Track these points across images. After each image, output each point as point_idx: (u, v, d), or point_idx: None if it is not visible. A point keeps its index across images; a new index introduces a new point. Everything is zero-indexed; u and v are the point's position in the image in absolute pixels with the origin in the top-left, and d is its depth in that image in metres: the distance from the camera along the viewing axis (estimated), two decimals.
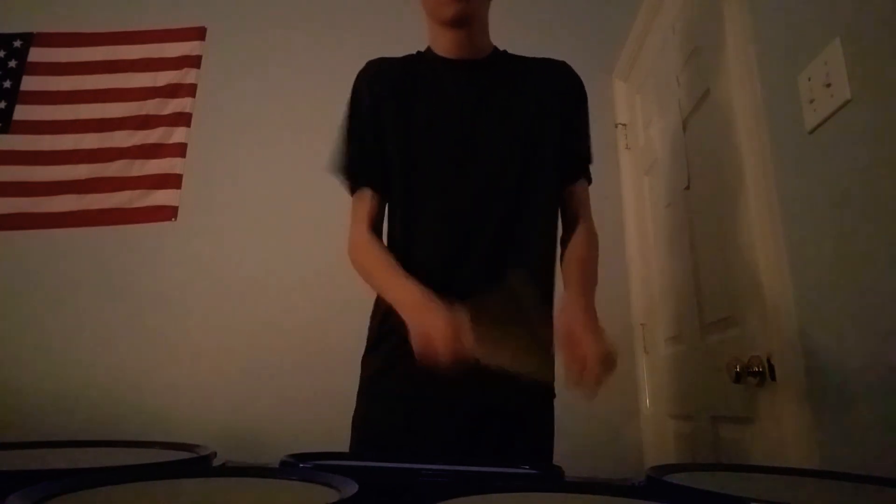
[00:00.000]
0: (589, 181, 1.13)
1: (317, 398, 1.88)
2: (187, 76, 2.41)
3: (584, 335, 0.81)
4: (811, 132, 0.97)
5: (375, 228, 1.08)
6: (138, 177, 2.30)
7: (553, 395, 1.03)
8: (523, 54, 1.16)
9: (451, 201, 1.02)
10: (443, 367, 0.79)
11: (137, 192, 2.28)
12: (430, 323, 0.83)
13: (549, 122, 1.07)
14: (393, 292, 0.96)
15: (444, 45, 1.10)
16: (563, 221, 1.12)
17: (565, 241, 1.10)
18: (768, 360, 1.10)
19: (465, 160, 1.03)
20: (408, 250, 1.02)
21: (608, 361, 0.79)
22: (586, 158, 1.12)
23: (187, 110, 2.37)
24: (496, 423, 0.96)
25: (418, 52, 1.15)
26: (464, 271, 0.99)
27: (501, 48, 1.16)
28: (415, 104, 1.07)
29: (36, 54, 2.45)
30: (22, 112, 2.38)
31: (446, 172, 1.03)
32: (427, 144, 1.05)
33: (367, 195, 1.07)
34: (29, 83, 2.42)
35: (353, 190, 1.09)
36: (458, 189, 1.02)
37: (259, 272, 2.15)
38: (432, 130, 1.05)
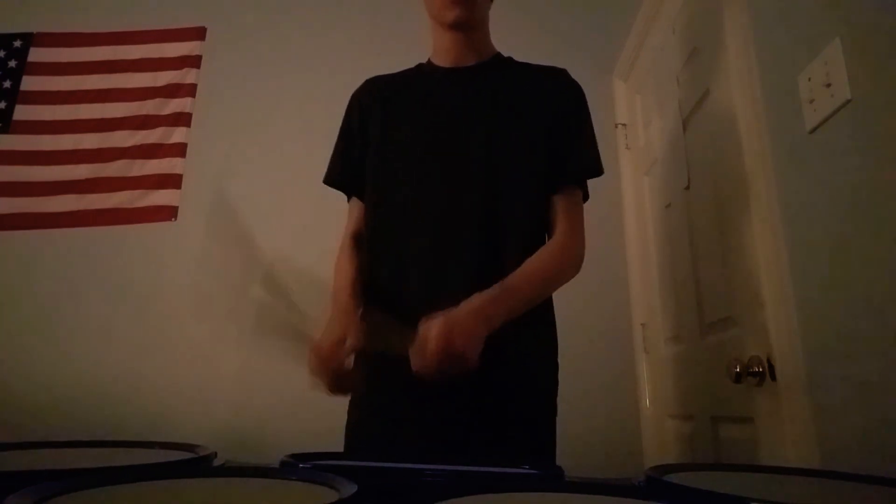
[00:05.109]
0: (585, 194, 1.07)
1: (317, 398, 1.87)
2: (187, 76, 2.41)
3: (436, 323, 0.81)
4: (811, 132, 0.97)
5: (360, 236, 1.13)
6: (138, 177, 2.30)
7: (555, 411, 1.01)
8: (523, 54, 1.15)
9: (428, 207, 1.02)
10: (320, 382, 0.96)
11: (137, 192, 2.28)
12: (316, 341, 0.98)
13: (538, 128, 1.05)
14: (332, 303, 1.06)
15: (445, 48, 1.11)
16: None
17: None
18: (768, 360, 1.10)
19: (444, 165, 1.03)
20: (379, 257, 1.04)
21: (449, 352, 0.79)
22: (574, 169, 1.05)
23: (187, 110, 2.37)
24: (485, 432, 0.94)
25: (417, 65, 1.16)
26: (441, 279, 0.97)
27: (501, 48, 1.16)
28: (401, 113, 1.09)
29: (36, 54, 2.45)
30: (22, 112, 2.38)
31: (425, 177, 1.03)
32: (407, 151, 1.06)
33: (355, 205, 1.14)
34: (29, 83, 2.42)
35: (348, 199, 1.16)
36: (436, 193, 1.02)
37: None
38: (414, 137, 1.06)
